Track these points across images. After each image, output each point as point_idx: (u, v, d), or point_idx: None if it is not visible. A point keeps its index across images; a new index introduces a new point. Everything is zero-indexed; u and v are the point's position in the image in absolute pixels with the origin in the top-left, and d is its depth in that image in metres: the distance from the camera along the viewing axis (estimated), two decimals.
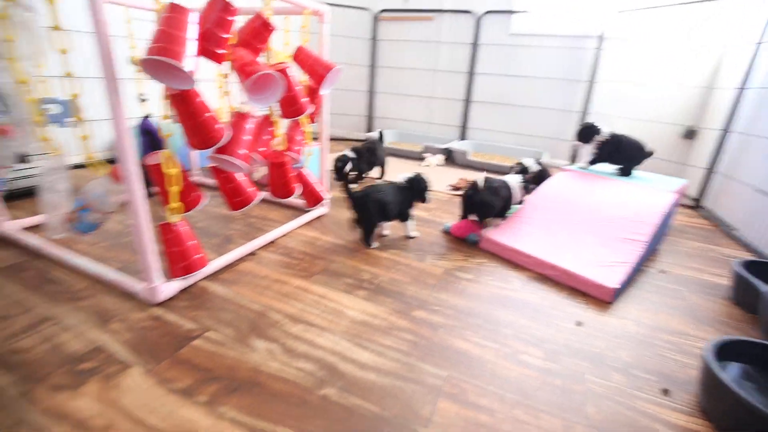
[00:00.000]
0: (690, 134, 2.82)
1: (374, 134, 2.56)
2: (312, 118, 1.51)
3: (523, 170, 2.29)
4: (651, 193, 1.69)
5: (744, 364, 0.95)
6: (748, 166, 2.01)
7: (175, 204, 1.04)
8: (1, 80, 1.02)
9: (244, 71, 1.04)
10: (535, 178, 2.23)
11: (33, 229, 1.37)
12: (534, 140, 3.34)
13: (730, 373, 0.93)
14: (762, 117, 1.97)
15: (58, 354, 0.84)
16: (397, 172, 2.55)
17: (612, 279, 1.26)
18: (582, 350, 1.01)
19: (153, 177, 1.05)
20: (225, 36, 1.00)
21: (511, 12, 3.09)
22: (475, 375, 0.90)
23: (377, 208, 1.43)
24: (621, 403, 0.85)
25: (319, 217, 1.72)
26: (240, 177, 1.20)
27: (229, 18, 1.00)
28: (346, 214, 1.76)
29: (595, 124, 1.94)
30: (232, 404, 0.76)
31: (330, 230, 1.61)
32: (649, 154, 1.94)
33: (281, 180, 1.39)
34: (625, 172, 1.95)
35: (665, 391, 0.89)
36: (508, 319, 1.11)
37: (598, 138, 1.93)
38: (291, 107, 1.27)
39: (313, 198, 1.58)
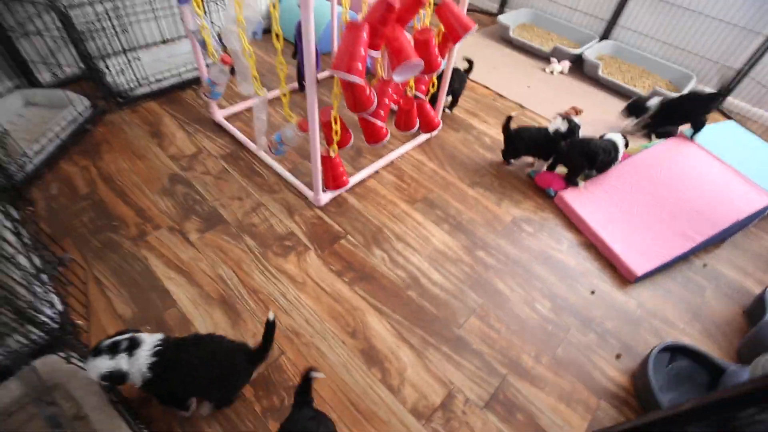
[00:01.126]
0: None
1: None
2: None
3: (640, 109, 2.26)
4: (744, 191, 1.73)
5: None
6: None
7: (334, 145, 1.52)
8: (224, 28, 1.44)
9: (393, 57, 1.31)
10: (653, 125, 2.24)
11: (233, 117, 1.99)
12: (690, 58, 2.88)
13: (680, 365, 1.35)
14: None
15: (272, 232, 1.53)
16: (513, 75, 2.62)
17: (641, 266, 1.58)
18: (581, 313, 1.47)
19: (323, 117, 1.51)
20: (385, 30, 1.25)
21: None
22: (499, 307, 1.44)
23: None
24: (583, 353, 1.37)
25: (428, 140, 2.08)
26: (376, 120, 1.60)
27: (390, 15, 1.23)
28: (450, 138, 2.10)
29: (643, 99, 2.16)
30: (361, 287, 1.42)
31: (435, 155, 2.00)
32: (713, 97, 2.07)
33: (406, 119, 1.75)
34: (696, 127, 2.00)
35: (618, 356, 1.37)
36: (542, 275, 1.57)
37: (647, 114, 2.20)
38: (427, 69, 1.52)
39: (428, 126, 1.92)
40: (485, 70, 2.74)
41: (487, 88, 2.58)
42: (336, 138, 1.49)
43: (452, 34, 1.53)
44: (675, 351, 1.34)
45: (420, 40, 1.44)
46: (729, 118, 2.77)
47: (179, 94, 2.12)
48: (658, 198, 1.76)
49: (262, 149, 1.70)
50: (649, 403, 1.21)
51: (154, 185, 1.64)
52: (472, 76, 2.60)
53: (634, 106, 2.26)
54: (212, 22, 2.27)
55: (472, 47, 2.98)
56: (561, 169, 1.93)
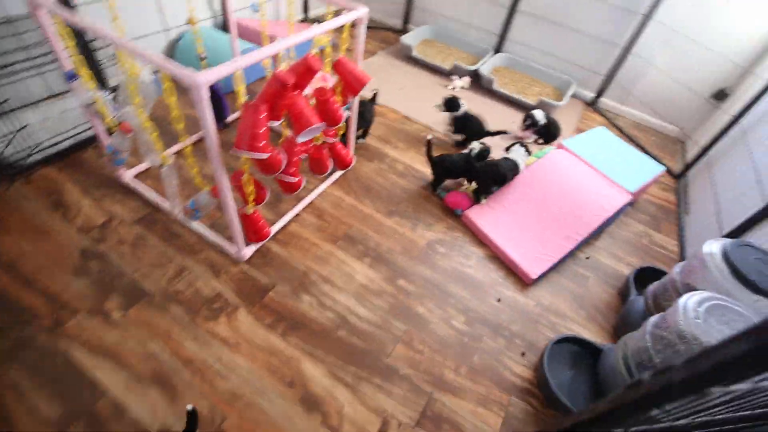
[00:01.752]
0: (720, 95, 2.85)
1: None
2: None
3: (532, 123, 2.60)
4: (610, 192, 2.08)
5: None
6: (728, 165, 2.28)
7: (251, 202, 1.59)
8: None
9: (294, 123, 1.41)
10: (543, 133, 2.61)
11: (142, 174, 1.95)
12: (569, 67, 3.29)
13: (571, 349, 1.64)
14: None
15: (199, 296, 1.57)
16: (419, 95, 2.81)
17: (535, 270, 1.85)
18: (490, 321, 1.70)
19: (235, 182, 1.56)
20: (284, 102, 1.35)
21: None
22: (421, 330, 1.62)
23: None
24: (495, 357, 1.59)
25: (344, 174, 2.20)
26: (289, 177, 1.68)
27: (285, 90, 1.32)
28: (364, 169, 2.24)
29: (458, 99, 2.48)
30: (293, 335, 1.51)
31: (352, 189, 2.13)
32: (491, 133, 2.51)
33: (319, 165, 1.85)
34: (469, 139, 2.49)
35: (523, 354, 1.62)
36: (456, 292, 1.78)
37: (538, 127, 2.56)
38: (332, 124, 1.63)
39: (342, 164, 2.04)
40: (393, 92, 2.91)
41: (395, 111, 2.75)
42: (251, 197, 1.55)
43: (350, 88, 1.65)
44: (565, 341, 1.61)
45: (320, 100, 1.55)
46: (604, 116, 3.23)
47: (79, 155, 2.02)
48: (544, 206, 2.06)
49: (178, 217, 1.71)
50: (548, 390, 1.47)
51: (64, 265, 1.58)
52: (381, 99, 2.76)
53: (530, 123, 2.58)
54: (109, 90, 2.15)
55: (380, 69, 3.14)
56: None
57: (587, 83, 3.29)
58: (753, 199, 1.84)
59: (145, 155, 1.49)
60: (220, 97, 2.17)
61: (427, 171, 2.32)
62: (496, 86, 3.06)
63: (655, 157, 2.84)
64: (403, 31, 3.77)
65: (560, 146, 2.34)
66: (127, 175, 1.91)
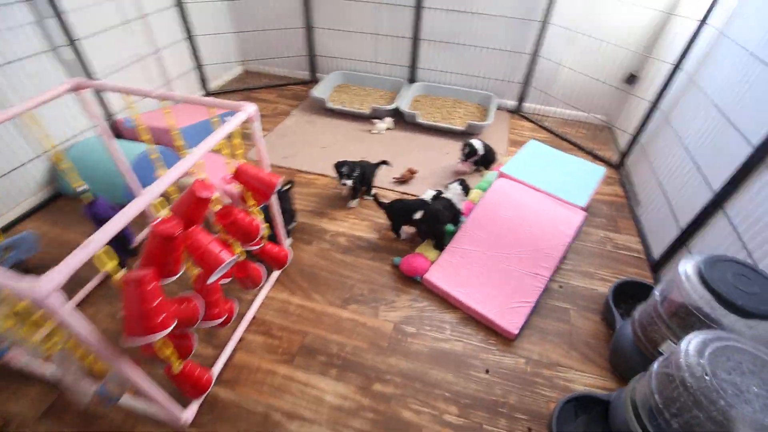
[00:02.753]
0: (631, 79, 2.92)
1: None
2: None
3: (471, 152, 2.50)
4: (564, 214, 1.99)
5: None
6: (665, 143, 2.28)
7: (176, 366, 1.31)
8: None
9: (201, 267, 1.17)
10: (482, 161, 2.54)
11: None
12: (486, 81, 3.28)
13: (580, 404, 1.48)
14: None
15: None
16: (344, 149, 2.63)
17: (514, 323, 1.70)
18: (485, 400, 1.52)
19: (147, 352, 1.28)
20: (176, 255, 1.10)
21: None
22: None
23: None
24: None
25: (284, 270, 1.97)
26: (215, 320, 1.42)
27: (171, 244, 1.08)
28: (305, 255, 2.02)
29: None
30: None
31: (297, 285, 1.90)
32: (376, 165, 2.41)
33: (250, 281, 1.60)
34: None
35: (529, 430, 1.45)
36: (439, 377, 1.58)
37: (477, 156, 2.51)
38: (248, 240, 1.40)
39: (278, 263, 1.80)
40: (316, 153, 2.72)
41: (323, 175, 2.56)
42: (174, 357, 1.28)
43: (258, 195, 1.44)
44: (569, 402, 1.46)
45: (226, 223, 1.32)
46: (530, 121, 3.23)
47: None
48: (503, 247, 1.93)
49: (85, 402, 1.38)
50: None
51: None
52: (305, 165, 2.56)
53: (469, 153, 2.47)
54: None
55: (297, 131, 2.95)
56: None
57: (507, 93, 3.28)
58: (697, 187, 1.81)
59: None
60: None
61: (371, 229, 2.14)
62: (421, 119, 2.96)
63: (590, 152, 2.84)
64: (313, 81, 3.62)
65: (502, 175, 2.24)
66: (19, 359, 1.55)
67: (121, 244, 1.81)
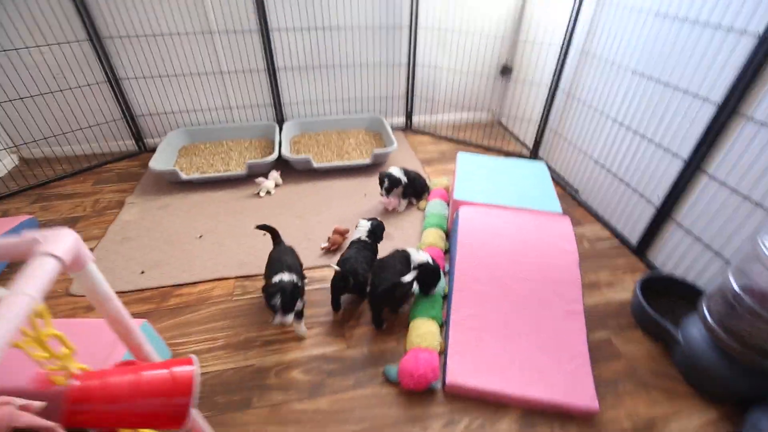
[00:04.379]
0: (505, 71, 2.86)
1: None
2: None
3: (393, 183, 1.99)
4: (551, 225, 1.65)
5: None
6: (574, 122, 2.18)
7: None
8: None
9: None
10: (411, 191, 2.09)
11: None
12: (367, 103, 2.84)
13: None
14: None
15: None
16: (225, 229, 1.84)
17: (587, 393, 1.23)
18: None
19: None
20: None
21: None
22: None
23: None
24: None
25: None
26: None
27: None
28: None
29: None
30: None
31: None
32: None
33: None
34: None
35: None
36: None
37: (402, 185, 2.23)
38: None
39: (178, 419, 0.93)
40: (192, 250, 1.81)
41: (222, 279, 1.69)
42: None
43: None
44: None
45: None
46: (426, 133, 2.93)
47: None
48: (514, 293, 1.46)
49: None
50: None
51: None
52: (187, 275, 1.65)
53: (390, 185, 1.95)
54: None
55: (148, 227, 1.96)
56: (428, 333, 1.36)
57: (392, 110, 2.92)
58: (639, 150, 1.69)
59: None
60: None
61: (328, 335, 1.41)
62: (316, 163, 2.33)
63: (499, 149, 2.69)
64: (143, 151, 2.61)
65: (458, 204, 1.79)
66: None
67: None
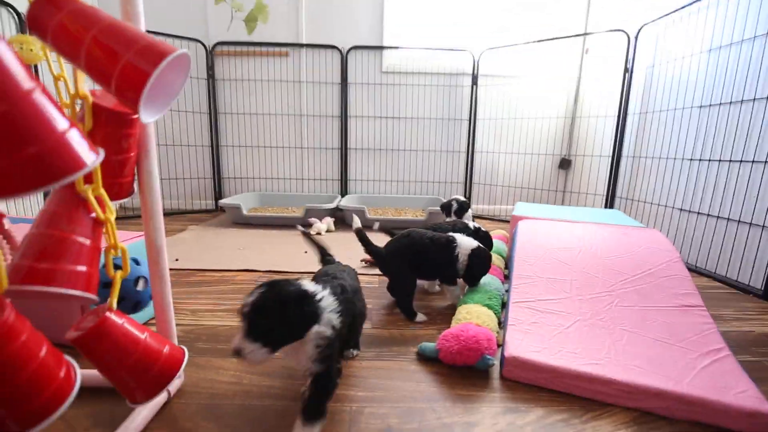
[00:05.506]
0: (563, 164, 2.88)
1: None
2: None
3: (461, 208, 1.86)
4: (636, 234, 1.35)
5: None
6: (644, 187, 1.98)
7: None
8: None
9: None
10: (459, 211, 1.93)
11: None
12: (423, 186, 2.97)
13: None
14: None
15: None
16: (273, 251, 1.72)
17: (747, 393, 0.75)
18: None
19: None
20: None
21: (381, 48, 2.73)
22: None
23: None
24: None
25: (166, 405, 0.76)
26: None
27: None
28: (220, 377, 0.85)
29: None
30: None
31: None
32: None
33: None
34: None
35: None
36: None
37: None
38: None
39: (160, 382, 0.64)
40: (229, 254, 1.74)
41: (223, 271, 1.54)
42: None
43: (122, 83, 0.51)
44: None
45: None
46: (483, 219, 2.84)
47: None
48: (595, 283, 1.11)
49: None
50: None
51: None
52: (214, 266, 1.53)
53: (458, 207, 1.97)
54: None
55: (198, 240, 1.97)
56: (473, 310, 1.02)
57: (449, 194, 2.97)
58: None
59: None
60: None
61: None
62: (371, 215, 2.32)
63: None
64: (218, 210, 2.86)
65: (517, 219, 1.59)
66: None
67: None
